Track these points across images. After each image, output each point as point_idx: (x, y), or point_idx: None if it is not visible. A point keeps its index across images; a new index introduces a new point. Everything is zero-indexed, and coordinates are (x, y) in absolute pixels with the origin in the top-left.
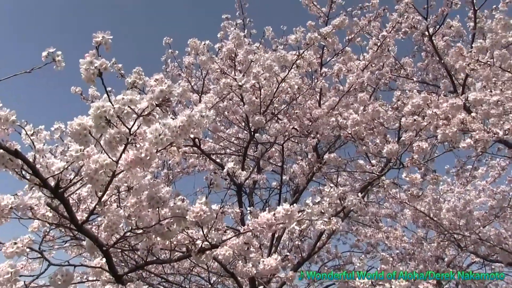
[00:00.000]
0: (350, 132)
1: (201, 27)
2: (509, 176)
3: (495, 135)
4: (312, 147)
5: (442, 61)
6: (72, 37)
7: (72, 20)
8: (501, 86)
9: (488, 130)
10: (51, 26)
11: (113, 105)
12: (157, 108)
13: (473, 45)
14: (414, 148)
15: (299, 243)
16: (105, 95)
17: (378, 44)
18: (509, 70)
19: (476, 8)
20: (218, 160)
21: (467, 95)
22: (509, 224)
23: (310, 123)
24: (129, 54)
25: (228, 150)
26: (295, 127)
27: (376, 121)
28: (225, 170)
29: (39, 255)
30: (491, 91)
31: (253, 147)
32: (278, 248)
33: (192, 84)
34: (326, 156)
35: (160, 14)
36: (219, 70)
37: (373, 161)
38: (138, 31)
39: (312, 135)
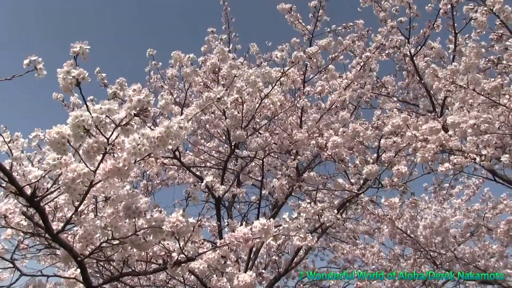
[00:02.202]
0: (330, 153)
1: (185, 39)
2: (482, 195)
3: (473, 160)
4: (297, 161)
5: (423, 81)
6: (58, 44)
7: (57, 28)
8: (477, 107)
9: (466, 154)
10: (35, 33)
11: (91, 114)
12: (135, 117)
13: (447, 67)
14: (393, 171)
15: (277, 258)
16: (85, 104)
17: (361, 63)
18: (482, 93)
19: (456, 31)
20: (198, 173)
21: (445, 118)
22: (483, 242)
23: (290, 144)
24: (112, 64)
25: (208, 164)
26: (276, 143)
27: (356, 140)
28: (203, 183)
29: (11, 265)
30: (468, 111)
31: (233, 161)
32: (256, 263)
33: (175, 96)
34: (305, 175)
35: (145, 25)
36: (202, 84)
37: (352, 180)
38: (122, 42)
39: (292, 155)
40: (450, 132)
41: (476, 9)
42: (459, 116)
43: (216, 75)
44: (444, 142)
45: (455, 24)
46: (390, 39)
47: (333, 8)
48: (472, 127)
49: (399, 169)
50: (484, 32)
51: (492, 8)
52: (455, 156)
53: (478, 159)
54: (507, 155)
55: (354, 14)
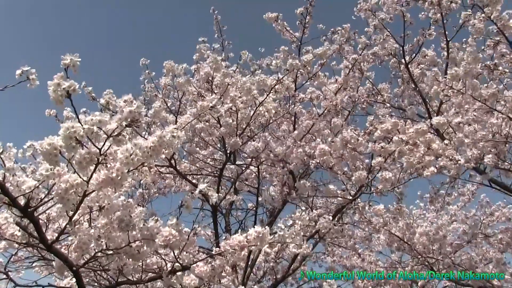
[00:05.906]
0: (318, 161)
1: (180, 47)
2: (479, 201)
3: (457, 163)
4: (288, 170)
5: (417, 88)
6: (54, 52)
7: (54, 38)
8: (473, 113)
9: (456, 160)
10: (30, 40)
11: (82, 125)
12: (127, 128)
13: (447, 71)
14: (379, 177)
15: (274, 265)
16: (76, 116)
17: (350, 66)
18: (479, 99)
19: (448, 39)
20: (194, 181)
21: (430, 120)
22: (480, 248)
23: (280, 161)
24: (108, 72)
25: (204, 171)
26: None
27: (348, 147)
28: (197, 191)
29: (4, 276)
30: (462, 117)
31: (229, 168)
32: (253, 270)
33: (169, 104)
34: (297, 184)
35: (138, 32)
36: (196, 93)
37: (347, 186)
38: (117, 51)
39: (283, 166)
40: (446, 142)
41: (473, 16)
42: (444, 116)
43: (210, 84)
44: (440, 151)
45: (446, 32)
46: (386, 46)
47: (319, 14)
48: (458, 125)
49: (383, 175)
50: (481, 37)
51: (490, 15)
52: (440, 158)
53: (462, 160)
54: (489, 156)
55: (341, 18)
